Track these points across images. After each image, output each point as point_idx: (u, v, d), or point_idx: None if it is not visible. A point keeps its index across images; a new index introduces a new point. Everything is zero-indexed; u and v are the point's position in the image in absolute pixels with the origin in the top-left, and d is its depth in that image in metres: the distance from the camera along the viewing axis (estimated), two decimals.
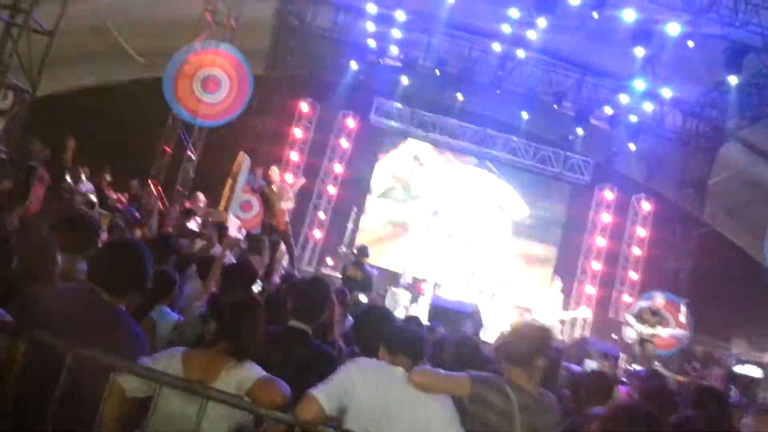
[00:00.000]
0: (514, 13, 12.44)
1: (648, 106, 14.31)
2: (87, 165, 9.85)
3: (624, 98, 14.18)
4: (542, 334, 2.82)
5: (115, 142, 11.97)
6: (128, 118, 12.65)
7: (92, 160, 10.16)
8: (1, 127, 7.30)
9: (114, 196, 9.87)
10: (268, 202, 9.60)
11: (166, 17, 13.71)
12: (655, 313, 9.80)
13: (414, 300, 11.02)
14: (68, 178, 8.37)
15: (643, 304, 10.37)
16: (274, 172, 9.92)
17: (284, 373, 2.57)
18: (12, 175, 7.09)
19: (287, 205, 9.81)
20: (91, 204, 7.42)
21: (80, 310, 2.58)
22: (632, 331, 9.86)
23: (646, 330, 9.60)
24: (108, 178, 10.27)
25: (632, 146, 14.70)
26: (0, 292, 2.90)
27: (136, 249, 2.83)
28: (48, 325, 2.40)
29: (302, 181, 11.05)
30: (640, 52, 11.96)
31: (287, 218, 9.95)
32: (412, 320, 2.99)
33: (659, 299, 9.99)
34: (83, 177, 9.07)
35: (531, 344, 2.74)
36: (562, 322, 11.23)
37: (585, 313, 12.54)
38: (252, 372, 2.53)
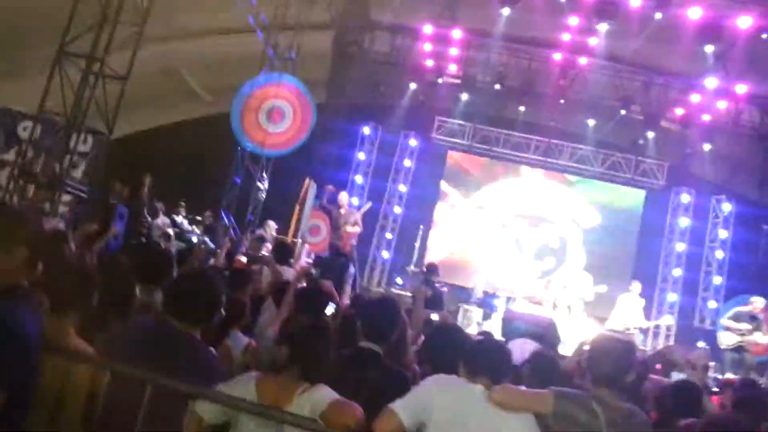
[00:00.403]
0: (573, 20, 12.26)
1: (722, 104, 13.72)
2: (163, 200, 10.27)
3: (695, 98, 13.68)
4: (626, 348, 2.70)
5: (188, 177, 12.43)
6: (199, 153, 13.13)
7: (168, 195, 10.59)
8: (82, 169, 7.71)
9: (190, 228, 10.24)
10: (335, 225, 9.73)
11: (229, 55, 14.25)
12: (753, 318, 9.18)
13: (487, 316, 10.85)
14: (146, 214, 8.74)
15: (740, 308, 9.74)
16: (344, 196, 10.07)
17: (357, 396, 2.55)
18: (94, 215, 7.47)
19: (354, 229, 9.91)
20: (167, 237, 7.71)
21: (157, 341, 2.66)
22: (728, 336, 9.27)
23: (743, 337, 9.03)
24: (183, 212, 10.65)
25: (707, 146, 14.11)
26: (83, 327, 3.04)
27: (207, 278, 2.90)
28: (127, 357, 2.49)
29: (368, 205, 11.13)
30: (709, 49, 11.54)
31: (354, 241, 10.04)
32: (487, 336, 2.90)
33: (758, 303, 9.34)
34: (160, 212, 9.44)
35: (616, 361, 2.63)
36: (643, 330, 10.77)
37: (668, 320, 11.96)
38: (325, 395, 2.53)
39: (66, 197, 7.55)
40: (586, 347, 2.88)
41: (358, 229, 10.14)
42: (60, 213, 7.39)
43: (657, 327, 12.79)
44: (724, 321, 9.55)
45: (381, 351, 3.09)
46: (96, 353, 2.53)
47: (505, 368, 2.77)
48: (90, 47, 7.64)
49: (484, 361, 2.71)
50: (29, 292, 2.06)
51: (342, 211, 9.82)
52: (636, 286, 10.79)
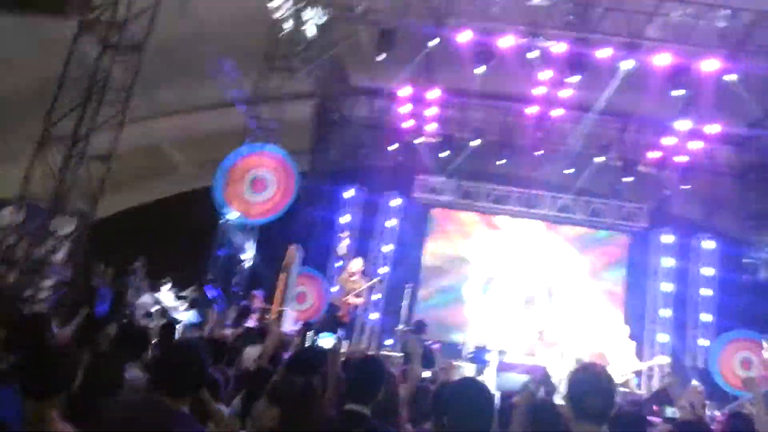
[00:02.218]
0: (545, 75, 12.56)
1: (696, 145, 14.01)
2: (148, 277, 10.22)
3: (669, 141, 13.97)
4: (606, 378, 2.51)
5: (173, 252, 12.41)
6: (183, 228, 13.16)
7: (153, 272, 10.55)
8: (64, 252, 7.68)
9: (175, 304, 10.14)
10: (343, 290, 9.53)
11: (212, 129, 14.49)
12: None
13: (479, 371, 10.67)
14: (130, 295, 8.70)
15: None
16: (356, 263, 9.88)
17: None
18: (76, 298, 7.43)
19: (357, 300, 9.73)
20: (149, 315, 7.66)
21: (143, 419, 2.61)
22: None
23: None
24: (167, 287, 10.58)
25: (685, 187, 14.33)
26: (67, 408, 2.99)
27: (190, 350, 2.87)
28: None
29: (377, 279, 10.98)
30: (678, 93, 11.78)
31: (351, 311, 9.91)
32: (465, 387, 2.76)
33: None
34: (144, 291, 9.39)
35: (597, 393, 2.45)
36: (638, 373, 10.66)
37: (662, 360, 11.85)
38: None
39: (48, 282, 7.47)
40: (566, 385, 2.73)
41: (361, 301, 9.97)
42: (42, 297, 7.31)
43: (651, 369, 12.61)
44: None
45: (368, 412, 3.05)
46: None
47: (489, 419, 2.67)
48: (73, 128, 7.72)
49: (469, 418, 2.59)
50: (7, 376, 2.04)
51: (354, 278, 9.62)
52: (623, 330, 10.74)
